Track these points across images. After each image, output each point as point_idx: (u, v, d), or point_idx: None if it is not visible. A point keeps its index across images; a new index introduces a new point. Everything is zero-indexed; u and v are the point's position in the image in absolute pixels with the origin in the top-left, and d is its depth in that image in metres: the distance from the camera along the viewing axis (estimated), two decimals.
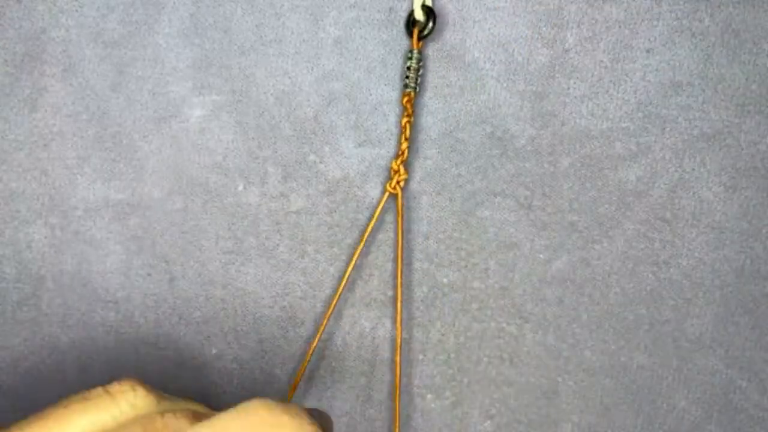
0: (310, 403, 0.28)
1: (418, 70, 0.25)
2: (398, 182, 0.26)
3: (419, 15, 0.25)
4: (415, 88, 0.25)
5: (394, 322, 0.27)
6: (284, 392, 0.28)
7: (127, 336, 0.28)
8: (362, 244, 0.26)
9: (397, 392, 0.26)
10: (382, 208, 0.27)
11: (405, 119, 0.26)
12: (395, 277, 0.27)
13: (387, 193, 0.26)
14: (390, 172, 0.26)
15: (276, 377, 0.28)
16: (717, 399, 0.26)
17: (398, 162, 0.26)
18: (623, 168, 0.26)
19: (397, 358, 0.26)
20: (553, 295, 0.26)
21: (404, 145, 0.26)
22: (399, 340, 0.26)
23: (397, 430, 0.26)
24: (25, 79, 0.28)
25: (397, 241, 0.26)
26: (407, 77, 0.25)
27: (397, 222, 0.26)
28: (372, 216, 0.26)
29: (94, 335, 0.28)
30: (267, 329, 0.28)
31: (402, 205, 0.26)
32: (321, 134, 0.27)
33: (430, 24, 0.25)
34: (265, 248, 0.27)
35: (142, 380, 0.20)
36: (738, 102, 0.25)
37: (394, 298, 0.27)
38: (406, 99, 0.25)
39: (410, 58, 0.25)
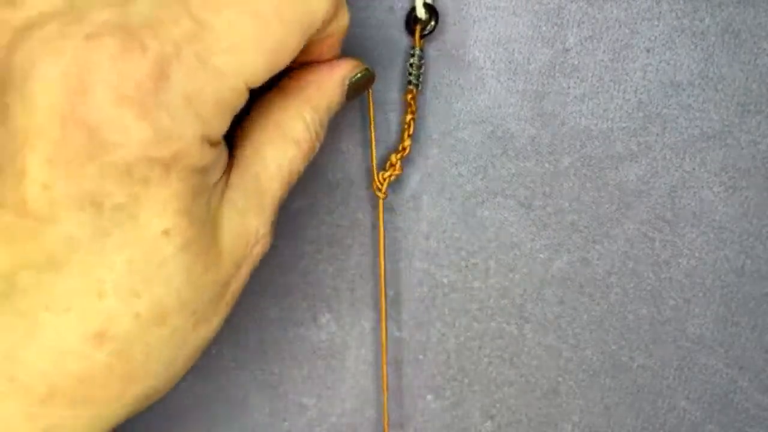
0: (309, 401, 0.28)
1: (420, 67, 0.25)
2: (390, 176, 0.25)
3: (421, 13, 0.25)
4: (418, 86, 0.25)
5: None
6: (282, 388, 0.28)
7: None
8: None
9: (385, 393, 0.26)
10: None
11: (409, 116, 0.25)
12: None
13: (378, 182, 0.26)
14: (386, 165, 0.26)
15: (276, 377, 0.28)
16: (718, 399, 0.26)
17: (398, 156, 0.25)
18: (624, 167, 0.26)
19: (384, 358, 0.26)
20: (554, 295, 0.26)
21: (407, 142, 0.26)
22: (384, 339, 0.26)
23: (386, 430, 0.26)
24: None
25: (379, 234, 0.26)
26: (410, 74, 0.25)
27: (378, 210, 0.26)
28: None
29: None
30: (267, 329, 0.28)
31: (384, 199, 0.26)
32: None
33: (433, 22, 0.25)
34: None
35: None
36: (739, 101, 0.25)
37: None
38: (410, 96, 0.25)
39: (412, 56, 0.25)
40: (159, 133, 0.14)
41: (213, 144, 0.16)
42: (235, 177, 0.17)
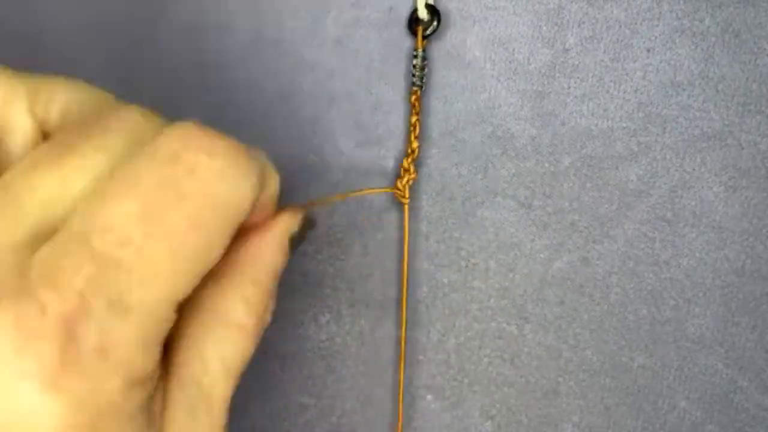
0: (309, 401, 0.28)
1: (423, 68, 0.25)
2: (408, 181, 0.26)
3: (423, 14, 0.25)
4: (422, 87, 0.25)
5: (398, 322, 0.27)
6: (285, 391, 0.28)
7: None
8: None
9: (401, 395, 0.26)
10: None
11: (414, 117, 0.25)
12: (399, 277, 0.27)
13: (400, 190, 0.26)
14: (400, 171, 0.26)
15: (276, 377, 0.28)
16: (718, 399, 0.26)
17: (408, 161, 0.25)
18: (624, 168, 0.26)
19: (402, 364, 0.26)
20: (554, 295, 0.26)
21: (414, 144, 0.25)
22: (404, 343, 0.26)
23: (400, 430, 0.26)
24: None
25: (404, 239, 0.26)
26: (414, 75, 0.25)
27: (403, 222, 0.26)
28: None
29: None
30: (267, 329, 0.28)
31: (408, 204, 0.26)
32: (321, 134, 0.27)
33: (435, 23, 0.25)
34: None
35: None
36: (739, 101, 0.25)
37: (400, 300, 0.27)
38: (414, 97, 0.25)
39: (416, 57, 0.25)
40: (74, 402, 0.12)
41: (143, 380, 0.14)
42: (175, 390, 0.15)
